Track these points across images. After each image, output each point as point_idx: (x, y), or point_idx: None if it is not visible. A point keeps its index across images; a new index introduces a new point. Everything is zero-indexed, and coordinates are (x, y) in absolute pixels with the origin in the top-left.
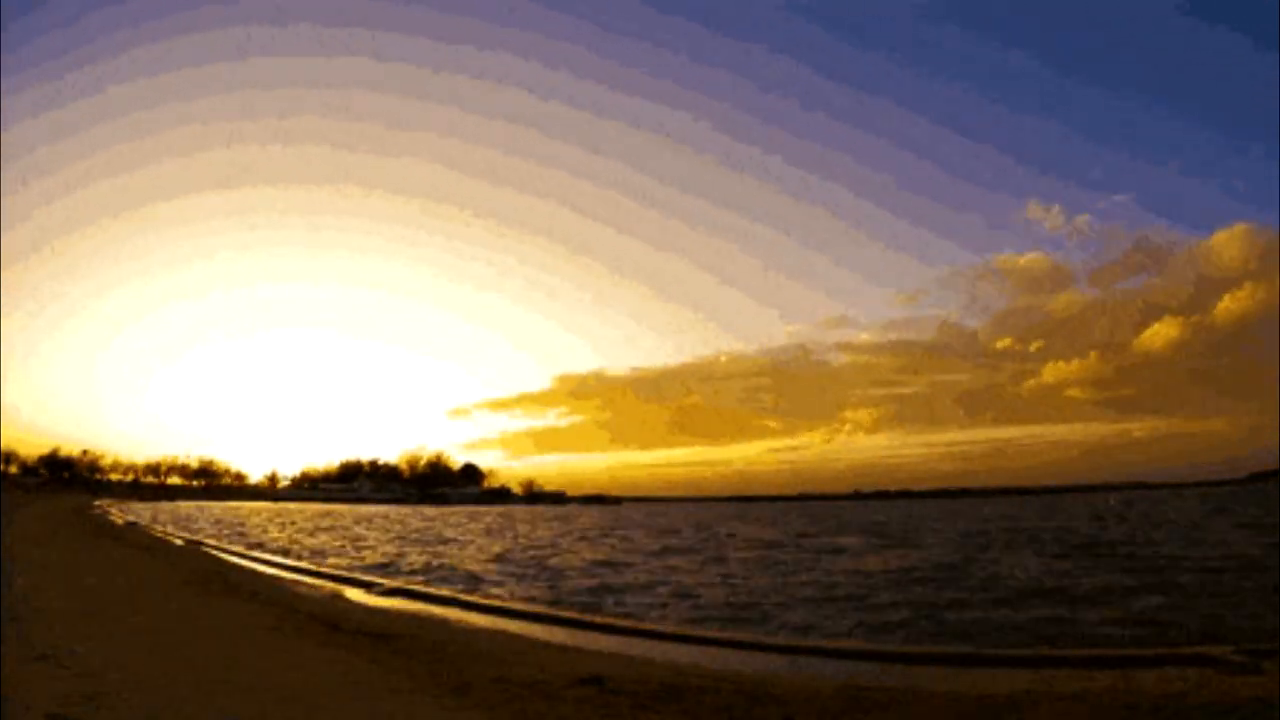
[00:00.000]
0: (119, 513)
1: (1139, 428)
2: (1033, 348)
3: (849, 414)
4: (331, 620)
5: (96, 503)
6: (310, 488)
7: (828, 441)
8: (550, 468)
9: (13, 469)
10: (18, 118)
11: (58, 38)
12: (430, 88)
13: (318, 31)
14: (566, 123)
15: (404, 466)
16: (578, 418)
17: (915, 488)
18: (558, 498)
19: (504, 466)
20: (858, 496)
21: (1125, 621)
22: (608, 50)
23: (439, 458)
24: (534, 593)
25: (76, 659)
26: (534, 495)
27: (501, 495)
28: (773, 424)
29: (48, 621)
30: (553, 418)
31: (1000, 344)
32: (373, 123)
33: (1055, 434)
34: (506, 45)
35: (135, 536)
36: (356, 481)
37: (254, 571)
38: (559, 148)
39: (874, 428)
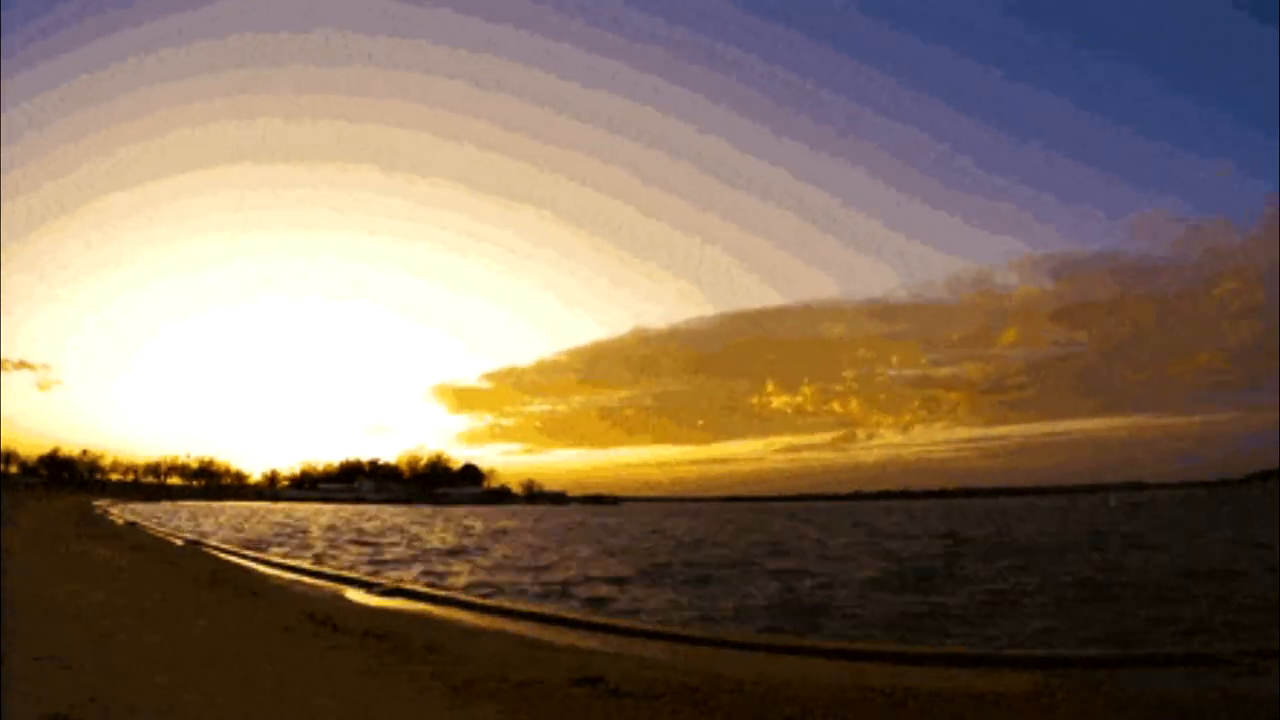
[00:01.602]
0: (119, 513)
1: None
2: (1218, 289)
3: (941, 394)
4: (332, 620)
5: (96, 503)
6: (310, 487)
7: (869, 437)
8: (555, 464)
9: (13, 469)
10: (12, 102)
11: (48, 20)
12: (424, 60)
13: (293, 5)
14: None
15: (404, 466)
16: (579, 399)
17: (915, 487)
18: (558, 498)
19: (504, 464)
20: (859, 497)
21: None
22: (620, 27)
23: (439, 457)
24: None
25: (77, 659)
26: (534, 495)
27: (502, 495)
28: (840, 408)
29: (49, 622)
30: (557, 398)
31: (1213, 292)
32: (364, 97)
33: (1063, 430)
34: (502, 16)
35: (135, 537)
36: (356, 481)
37: (254, 571)
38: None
39: (960, 417)
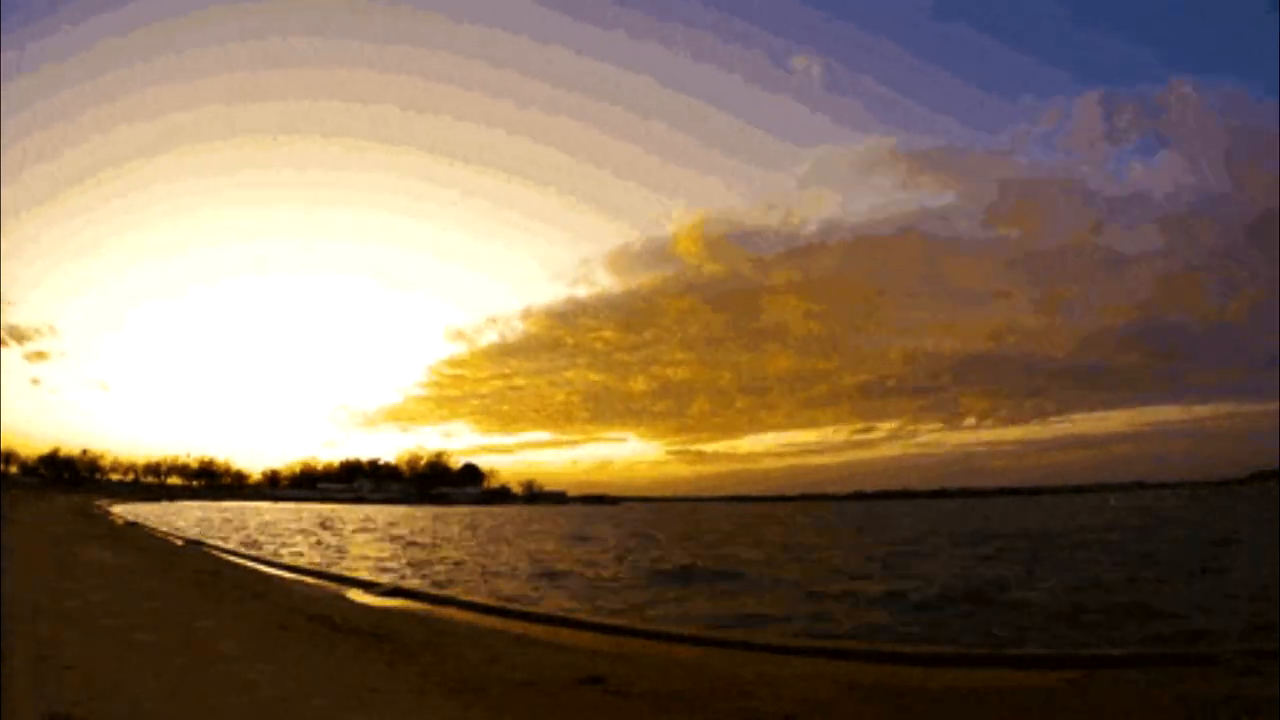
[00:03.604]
0: (119, 513)
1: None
2: None
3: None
4: (332, 620)
5: (96, 503)
6: (310, 487)
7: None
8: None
9: (13, 469)
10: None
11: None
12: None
13: None
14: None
15: (404, 466)
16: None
17: (919, 487)
18: (558, 497)
19: (499, 462)
20: (862, 497)
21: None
22: None
23: (439, 457)
24: None
25: (77, 659)
26: (534, 495)
27: (502, 495)
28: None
29: (48, 622)
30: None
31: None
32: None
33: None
34: None
35: (136, 537)
36: (356, 481)
37: (255, 572)
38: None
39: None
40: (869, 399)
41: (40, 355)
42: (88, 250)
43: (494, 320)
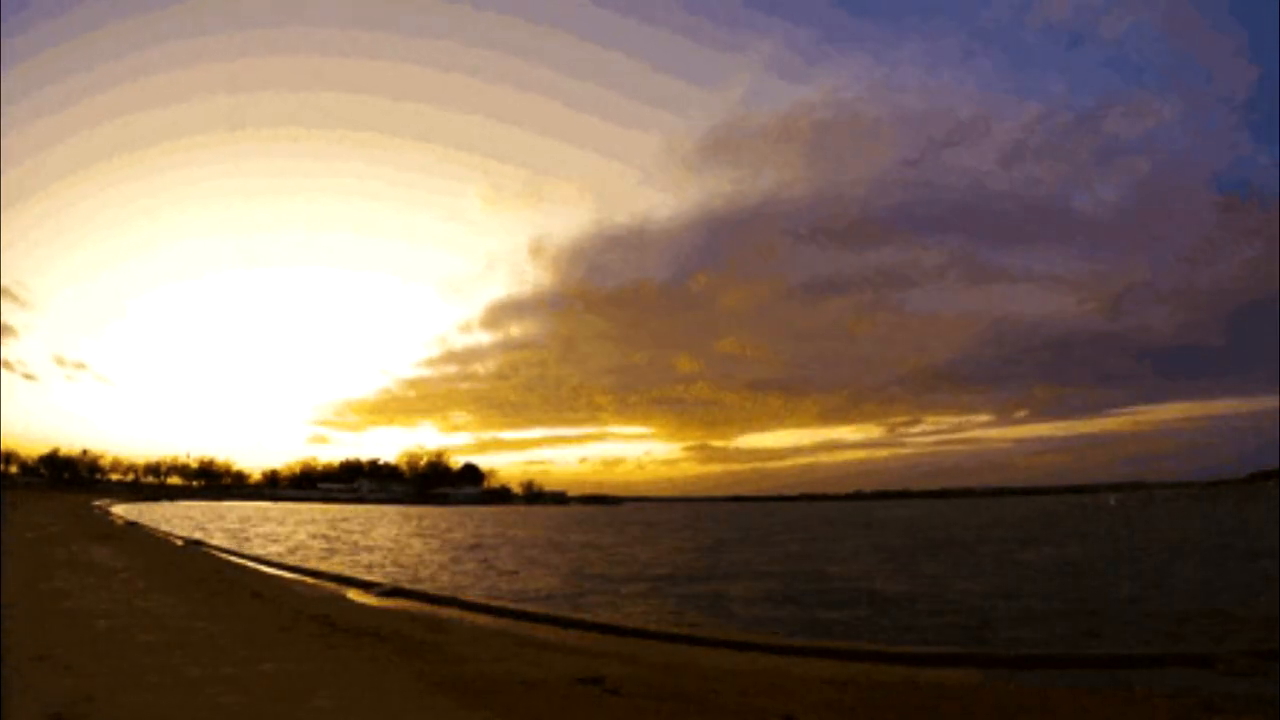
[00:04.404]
0: (119, 513)
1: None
2: None
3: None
4: (332, 620)
5: (96, 503)
6: (310, 487)
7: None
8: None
9: (13, 469)
10: None
11: None
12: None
13: None
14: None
15: (404, 466)
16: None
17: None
18: (559, 497)
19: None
20: (860, 497)
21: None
22: None
23: (439, 456)
24: None
25: (77, 659)
26: (534, 495)
27: (501, 496)
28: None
29: (47, 622)
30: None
31: None
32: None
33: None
34: None
35: (135, 537)
36: (356, 482)
37: (254, 571)
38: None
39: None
40: (925, 386)
41: (9, 331)
42: (82, 242)
43: (494, 262)
